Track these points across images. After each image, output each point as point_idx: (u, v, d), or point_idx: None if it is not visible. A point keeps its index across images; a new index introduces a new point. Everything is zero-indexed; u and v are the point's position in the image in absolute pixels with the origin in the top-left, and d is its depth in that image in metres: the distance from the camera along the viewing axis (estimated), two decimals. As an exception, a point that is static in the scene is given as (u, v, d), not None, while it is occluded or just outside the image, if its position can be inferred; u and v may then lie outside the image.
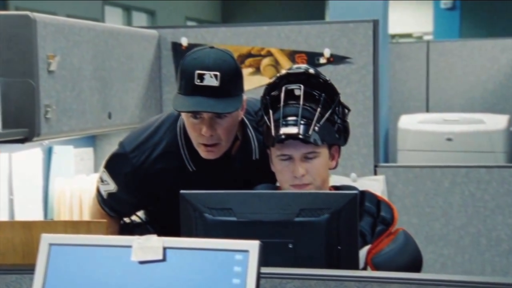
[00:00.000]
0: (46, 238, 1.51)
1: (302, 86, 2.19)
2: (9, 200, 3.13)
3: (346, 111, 2.27)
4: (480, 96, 6.56)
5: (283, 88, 2.21)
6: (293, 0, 15.14)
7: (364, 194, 2.20)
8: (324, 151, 2.20)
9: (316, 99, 2.19)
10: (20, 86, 2.78)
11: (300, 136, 2.13)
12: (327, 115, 2.18)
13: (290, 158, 2.17)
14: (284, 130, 2.15)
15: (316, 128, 2.15)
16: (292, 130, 2.13)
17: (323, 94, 2.19)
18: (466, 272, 3.82)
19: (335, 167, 2.27)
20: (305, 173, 2.16)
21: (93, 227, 1.68)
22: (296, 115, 2.15)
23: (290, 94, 2.20)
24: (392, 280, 1.61)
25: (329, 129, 2.19)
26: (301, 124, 2.14)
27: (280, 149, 2.18)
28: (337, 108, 2.22)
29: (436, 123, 5.93)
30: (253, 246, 1.48)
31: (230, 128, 2.36)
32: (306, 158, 2.17)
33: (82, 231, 1.69)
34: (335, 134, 2.22)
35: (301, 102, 2.17)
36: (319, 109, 2.17)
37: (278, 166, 2.21)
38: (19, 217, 3.14)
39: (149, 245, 1.49)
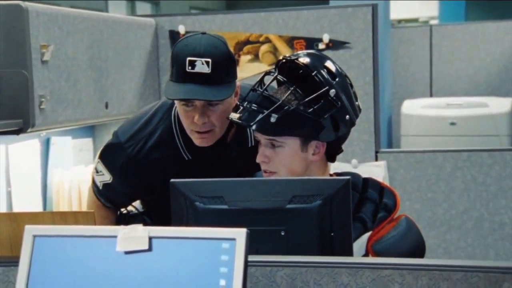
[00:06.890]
0: (30, 230, 1.49)
1: (275, 74, 2.16)
2: (7, 192, 3.11)
3: (337, 104, 2.12)
4: (484, 79, 6.50)
5: (264, 74, 2.20)
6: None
7: (367, 181, 2.16)
8: (291, 143, 2.12)
9: (288, 89, 2.12)
10: (14, 77, 2.76)
11: (242, 123, 2.12)
12: (292, 107, 2.08)
13: (260, 142, 2.17)
14: (231, 115, 2.17)
15: (273, 119, 2.08)
16: (237, 115, 2.14)
17: (294, 85, 2.11)
18: (469, 257, 3.79)
19: (327, 161, 2.18)
20: (268, 161, 2.14)
21: (81, 218, 1.66)
22: (251, 101, 2.13)
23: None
24: (384, 265, 1.58)
25: (296, 121, 2.10)
26: (251, 111, 2.11)
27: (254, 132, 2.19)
28: (320, 102, 2.10)
29: (439, 108, 5.89)
30: (240, 234, 1.45)
31: (223, 115, 2.33)
32: (271, 145, 2.13)
33: (69, 222, 1.67)
34: (308, 128, 2.10)
35: (263, 89, 2.13)
36: (284, 99, 2.09)
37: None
38: (18, 209, 3.13)
39: (135, 235, 1.47)
